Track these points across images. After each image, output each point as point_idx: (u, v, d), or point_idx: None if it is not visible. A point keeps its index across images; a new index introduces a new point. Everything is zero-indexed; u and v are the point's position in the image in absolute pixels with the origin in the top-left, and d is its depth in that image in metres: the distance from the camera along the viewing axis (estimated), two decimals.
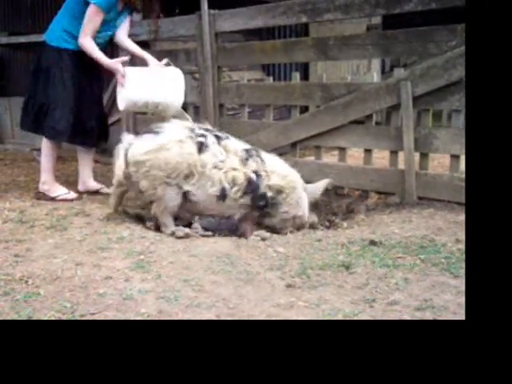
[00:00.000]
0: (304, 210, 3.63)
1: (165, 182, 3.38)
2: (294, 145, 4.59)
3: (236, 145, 3.51)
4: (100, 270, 2.77)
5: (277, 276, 2.72)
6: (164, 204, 3.45)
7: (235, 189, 3.38)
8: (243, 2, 4.91)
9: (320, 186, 3.79)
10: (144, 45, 5.95)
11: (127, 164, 3.45)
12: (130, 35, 5.82)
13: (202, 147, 3.37)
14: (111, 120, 6.58)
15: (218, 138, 3.47)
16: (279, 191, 3.47)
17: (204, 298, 2.45)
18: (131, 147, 3.46)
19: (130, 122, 6.08)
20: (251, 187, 3.41)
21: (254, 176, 3.41)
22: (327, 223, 3.85)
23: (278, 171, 3.51)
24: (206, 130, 3.54)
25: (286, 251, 3.11)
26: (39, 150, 6.37)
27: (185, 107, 5.59)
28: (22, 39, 7.52)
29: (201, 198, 3.43)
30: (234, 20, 4.82)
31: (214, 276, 2.72)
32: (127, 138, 3.57)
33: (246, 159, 3.44)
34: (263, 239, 3.38)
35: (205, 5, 4.93)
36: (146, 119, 5.96)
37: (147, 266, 2.85)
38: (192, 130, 3.47)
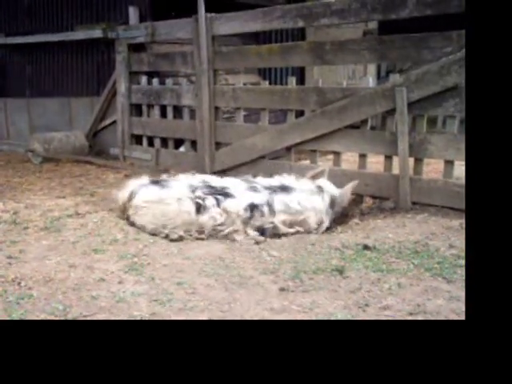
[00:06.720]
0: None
1: None
2: (289, 149, 4.60)
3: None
4: (93, 272, 2.77)
5: (270, 280, 2.73)
6: None
7: (197, 193, 3.57)
8: (240, 6, 4.91)
9: (346, 190, 3.86)
10: (141, 47, 5.96)
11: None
12: (127, 38, 5.84)
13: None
14: (107, 122, 6.58)
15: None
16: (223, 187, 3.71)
17: (197, 301, 2.45)
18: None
19: (125, 125, 6.08)
20: (205, 186, 3.65)
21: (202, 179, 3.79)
22: None
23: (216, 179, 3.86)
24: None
25: (280, 255, 3.11)
26: (33, 151, 6.38)
27: (180, 110, 5.61)
28: (19, 40, 7.52)
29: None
30: (231, 24, 4.84)
31: (207, 279, 2.72)
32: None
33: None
34: (257, 243, 3.39)
35: (202, 8, 4.94)
36: (140, 122, 5.97)
37: (140, 268, 2.84)
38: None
